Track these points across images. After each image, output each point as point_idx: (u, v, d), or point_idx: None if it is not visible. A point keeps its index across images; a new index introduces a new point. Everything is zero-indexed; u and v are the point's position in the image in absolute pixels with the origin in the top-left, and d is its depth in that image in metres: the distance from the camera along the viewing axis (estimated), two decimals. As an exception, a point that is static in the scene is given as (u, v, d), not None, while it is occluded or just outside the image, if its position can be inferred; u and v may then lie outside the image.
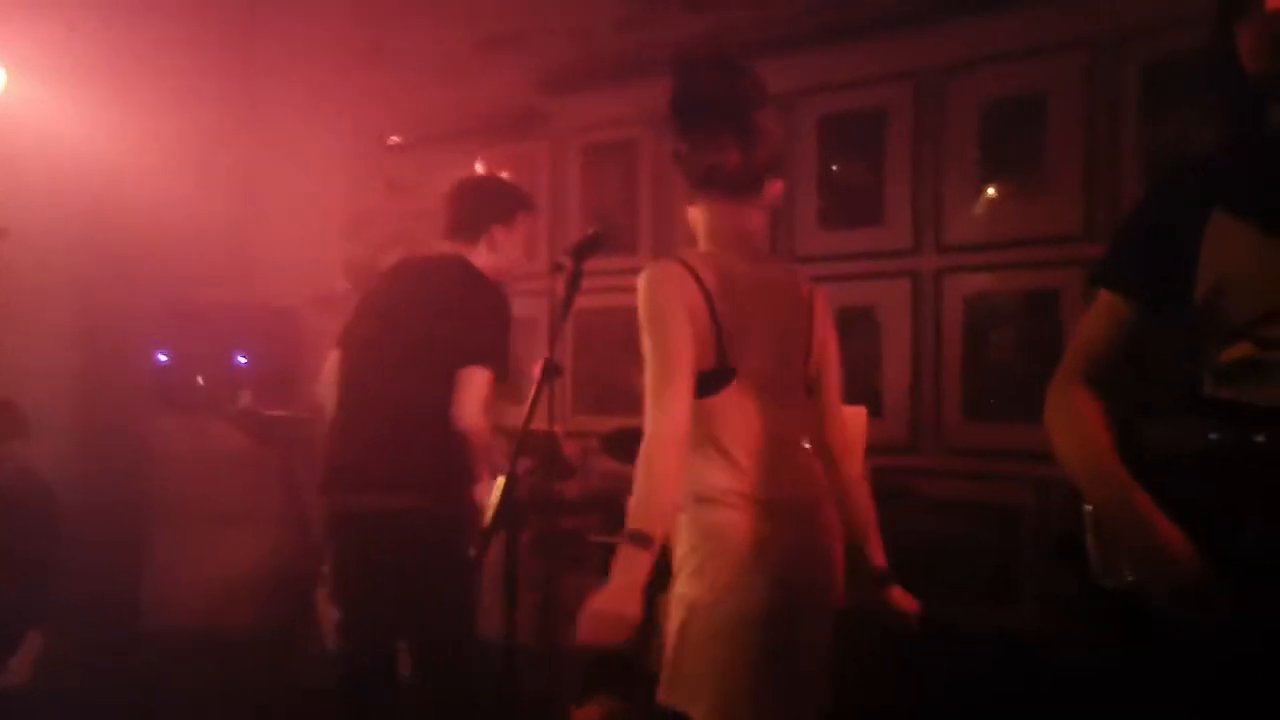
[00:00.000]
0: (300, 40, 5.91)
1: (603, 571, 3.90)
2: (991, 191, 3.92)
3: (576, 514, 4.19)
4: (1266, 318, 1.55)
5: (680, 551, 2.04)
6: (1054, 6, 3.77)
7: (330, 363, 3.12)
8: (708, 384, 2.01)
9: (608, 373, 4.93)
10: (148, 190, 5.08)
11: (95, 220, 5.22)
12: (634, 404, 4.80)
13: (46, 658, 4.32)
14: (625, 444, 4.15)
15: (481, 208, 3.20)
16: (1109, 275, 1.75)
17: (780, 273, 2.18)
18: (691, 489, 2.01)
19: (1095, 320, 1.76)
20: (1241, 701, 1.53)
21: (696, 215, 2.19)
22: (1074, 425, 1.72)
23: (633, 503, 1.92)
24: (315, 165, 5.93)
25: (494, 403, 2.98)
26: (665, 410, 1.93)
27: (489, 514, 2.15)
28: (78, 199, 5.12)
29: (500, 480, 2.17)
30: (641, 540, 1.87)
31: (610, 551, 3.80)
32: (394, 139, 5.67)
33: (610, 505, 4.12)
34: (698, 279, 2.01)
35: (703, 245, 2.17)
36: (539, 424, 2.20)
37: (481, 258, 3.17)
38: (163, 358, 5.31)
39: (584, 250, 2.34)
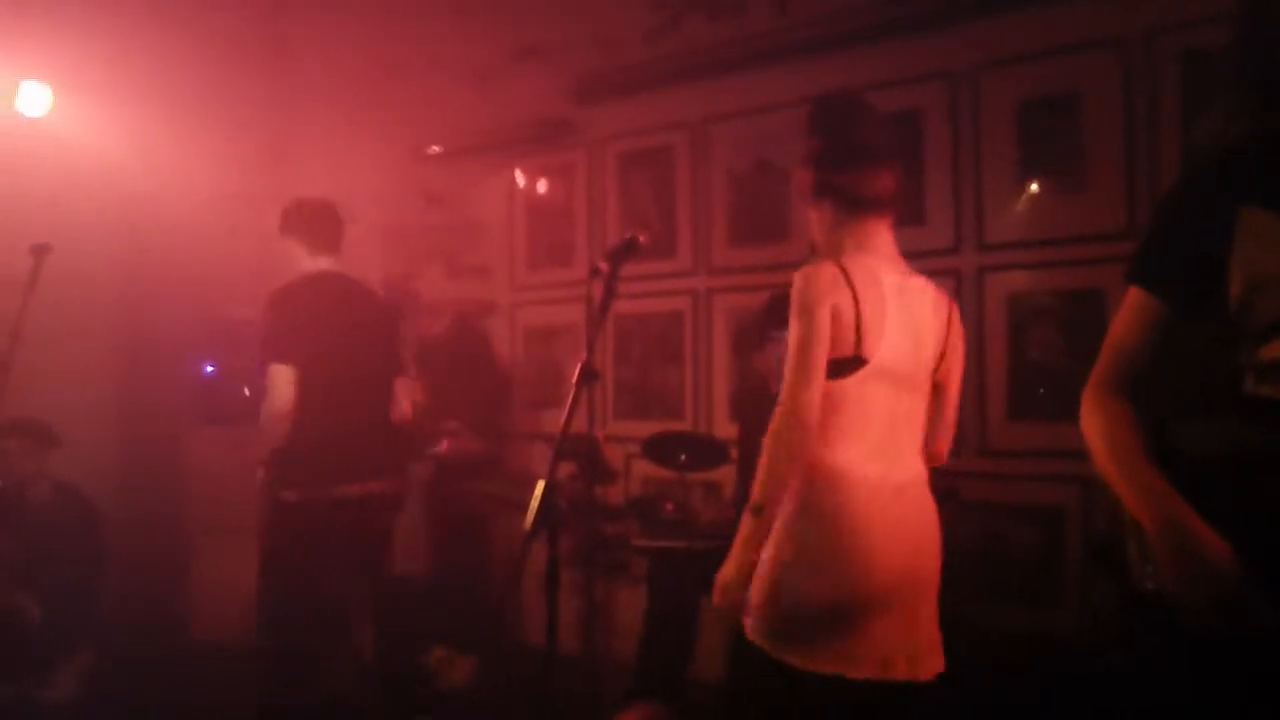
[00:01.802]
0: (335, 56, 5.98)
1: (645, 576, 3.90)
2: (1032, 189, 3.88)
3: (618, 519, 4.19)
4: None
5: (789, 517, 2.19)
6: (1089, 1, 3.74)
7: (286, 375, 3.46)
8: (841, 368, 2.19)
9: (646, 377, 4.94)
10: (188, 206, 5.16)
11: (137, 235, 5.31)
12: (673, 408, 4.84)
13: (92, 672, 4.38)
14: (666, 448, 4.17)
15: (341, 226, 3.79)
16: (1140, 273, 1.73)
17: (920, 281, 2.37)
18: (813, 463, 2.19)
19: (1127, 320, 1.74)
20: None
21: (842, 236, 2.34)
22: (1109, 433, 1.70)
23: (759, 476, 2.15)
24: (352, 178, 5.99)
25: None
26: (798, 397, 2.14)
27: (529, 518, 2.15)
28: (120, 215, 5.22)
29: (540, 484, 2.17)
30: (759, 511, 2.15)
31: (651, 556, 3.82)
32: (434, 149, 5.71)
33: (651, 510, 4.12)
34: (848, 278, 2.20)
35: (851, 254, 2.33)
36: (578, 428, 2.20)
37: (345, 271, 3.77)
38: (209, 369, 5.40)
39: (620, 255, 2.39)
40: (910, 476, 2.27)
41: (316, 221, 3.72)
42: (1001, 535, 3.87)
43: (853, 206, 2.33)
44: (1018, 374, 3.88)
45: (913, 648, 2.19)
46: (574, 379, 2.25)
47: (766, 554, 2.19)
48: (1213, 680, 1.58)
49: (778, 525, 2.19)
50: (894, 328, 2.23)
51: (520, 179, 5.54)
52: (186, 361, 5.45)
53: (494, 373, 5.14)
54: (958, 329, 2.41)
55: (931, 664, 2.23)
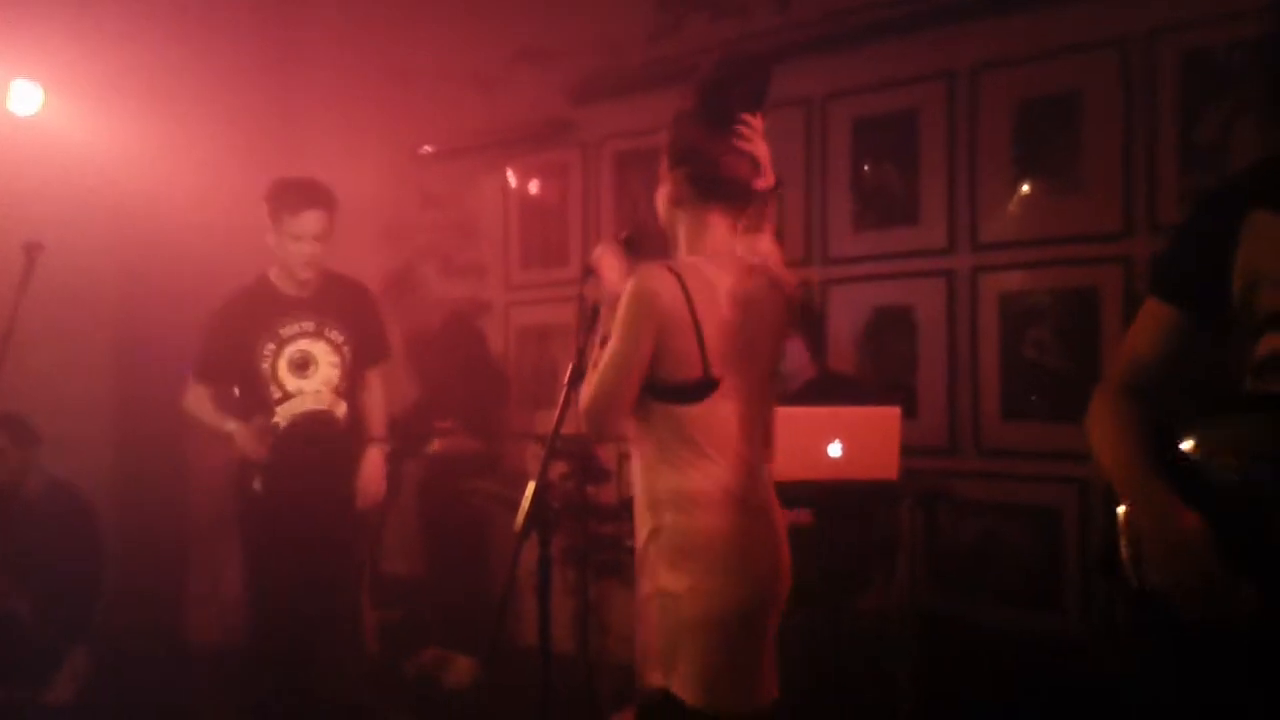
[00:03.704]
0: (334, 56, 5.96)
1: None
2: (1027, 189, 3.87)
3: (611, 519, 4.18)
4: None
5: (659, 548, 2.13)
6: (1088, 1, 3.73)
7: None
8: (691, 393, 2.09)
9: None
10: (183, 205, 5.14)
11: (131, 235, 5.29)
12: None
13: (88, 674, 4.36)
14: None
15: None
16: (1156, 284, 1.77)
17: (762, 278, 2.20)
18: (672, 491, 2.11)
19: (1142, 330, 1.76)
20: (1273, 703, 1.51)
21: (683, 222, 2.22)
22: (1108, 427, 1.73)
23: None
24: (349, 178, 5.96)
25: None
26: (614, 405, 2.10)
27: (518, 520, 2.14)
28: (113, 214, 5.19)
29: (530, 485, 2.16)
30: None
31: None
32: (426, 148, 5.70)
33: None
34: (685, 290, 2.06)
35: (686, 253, 2.21)
36: (570, 428, 2.19)
37: None
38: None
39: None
40: (767, 494, 2.18)
41: None
42: (996, 535, 3.86)
43: (705, 185, 2.16)
44: (1012, 374, 3.87)
45: (769, 669, 2.14)
46: (565, 379, 2.24)
47: (655, 594, 2.12)
48: (1205, 679, 1.59)
49: (658, 563, 2.12)
50: (742, 340, 2.11)
51: (515, 179, 5.53)
52: (182, 361, 5.43)
53: (490, 372, 5.13)
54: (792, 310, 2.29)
55: (773, 686, 2.16)
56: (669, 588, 2.09)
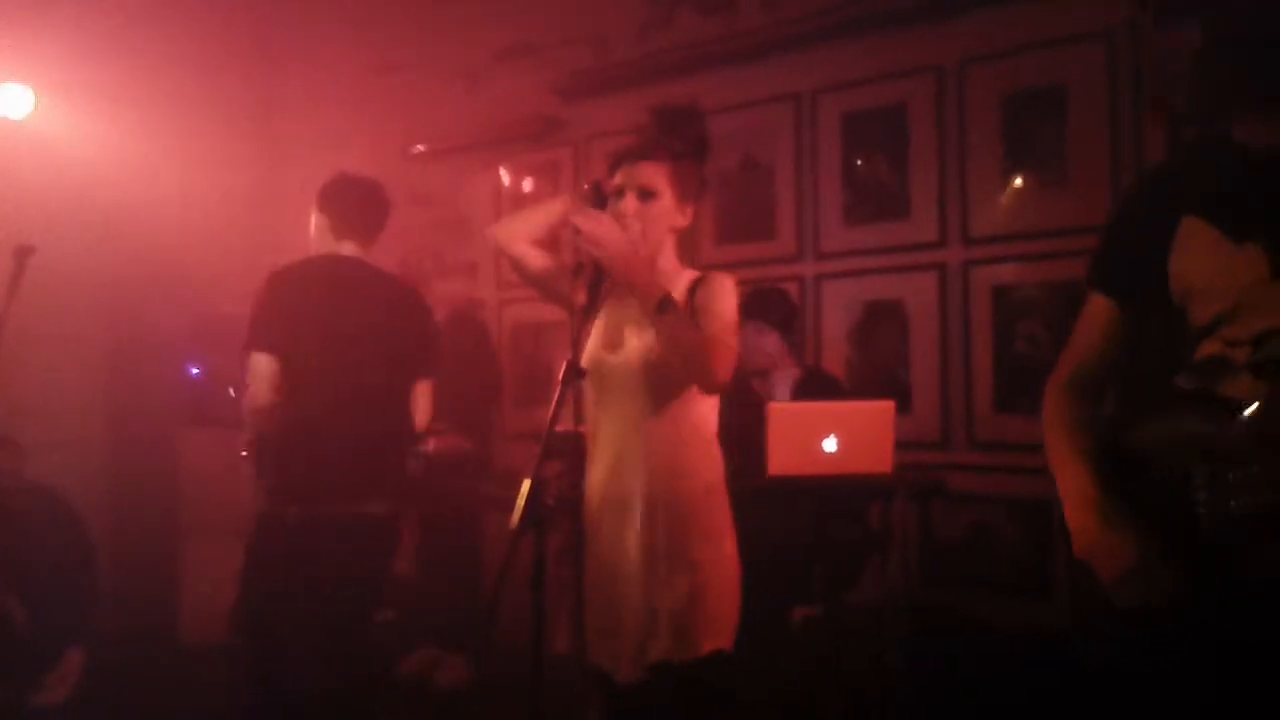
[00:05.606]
0: (321, 54, 5.95)
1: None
2: (1017, 182, 3.89)
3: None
4: (1230, 317, 1.59)
5: (705, 518, 2.34)
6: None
7: (266, 365, 3.03)
8: None
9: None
10: (174, 206, 5.14)
11: (122, 237, 5.29)
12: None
13: (83, 675, 4.35)
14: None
15: (378, 212, 3.37)
16: (1095, 278, 1.80)
17: None
18: (717, 464, 2.37)
19: (1086, 323, 1.81)
20: (1246, 691, 1.56)
21: (673, 244, 2.49)
22: (1052, 430, 1.85)
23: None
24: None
25: None
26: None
27: (514, 518, 2.14)
28: (105, 217, 5.19)
29: (526, 483, 2.16)
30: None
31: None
32: (418, 148, 5.70)
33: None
34: None
35: (687, 266, 2.48)
36: (564, 425, 2.20)
37: (371, 260, 3.31)
38: (195, 371, 5.37)
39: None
40: None
41: (348, 200, 3.33)
42: (989, 527, 3.88)
43: (692, 218, 2.47)
44: (1004, 367, 3.89)
45: None
46: (559, 377, 2.24)
47: (706, 565, 2.30)
48: (1178, 668, 1.63)
49: (702, 534, 2.32)
50: None
51: (507, 176, 5.53)
52: (173, 362, 5.43)
53: (489, 370, 5.13)
54: None
55: None
56: (714, 558, 2.32)
